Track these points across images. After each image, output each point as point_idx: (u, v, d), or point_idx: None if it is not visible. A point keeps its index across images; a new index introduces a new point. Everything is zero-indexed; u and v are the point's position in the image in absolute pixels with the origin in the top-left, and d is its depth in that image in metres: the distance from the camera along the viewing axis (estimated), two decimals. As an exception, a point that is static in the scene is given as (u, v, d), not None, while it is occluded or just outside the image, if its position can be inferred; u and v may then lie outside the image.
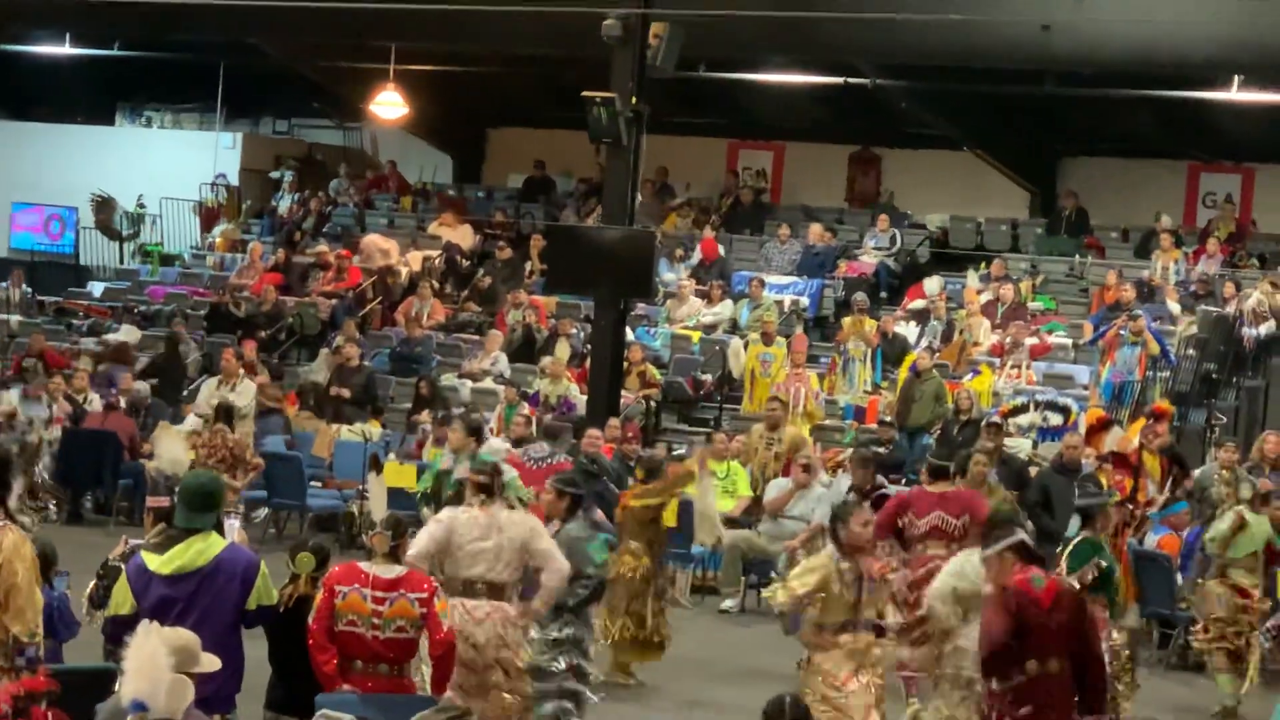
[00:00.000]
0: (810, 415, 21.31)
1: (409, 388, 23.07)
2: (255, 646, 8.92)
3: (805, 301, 25.33)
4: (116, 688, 6.63)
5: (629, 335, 22.87)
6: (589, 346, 22.68)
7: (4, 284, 28.23)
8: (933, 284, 24.87)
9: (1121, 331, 21.84)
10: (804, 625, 10.03)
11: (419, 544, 9.80)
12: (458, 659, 9.56)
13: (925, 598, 10.67)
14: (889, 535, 12.66)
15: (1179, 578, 15.50)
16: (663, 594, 14.41)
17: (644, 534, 13.97)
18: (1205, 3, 21.58)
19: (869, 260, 26.08)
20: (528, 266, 26.68)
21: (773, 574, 17.19)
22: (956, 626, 10.39)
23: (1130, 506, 15.28)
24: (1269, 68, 22.57)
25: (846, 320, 23.78)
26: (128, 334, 25.38)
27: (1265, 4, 21.15)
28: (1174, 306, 23.64)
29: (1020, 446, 19.92)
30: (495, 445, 15.77)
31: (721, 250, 26.47)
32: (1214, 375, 22.40)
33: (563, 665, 11.43)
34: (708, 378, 23.49)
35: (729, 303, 25.04)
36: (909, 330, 23.95)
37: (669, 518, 14.62)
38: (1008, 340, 22.99)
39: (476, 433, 14.05)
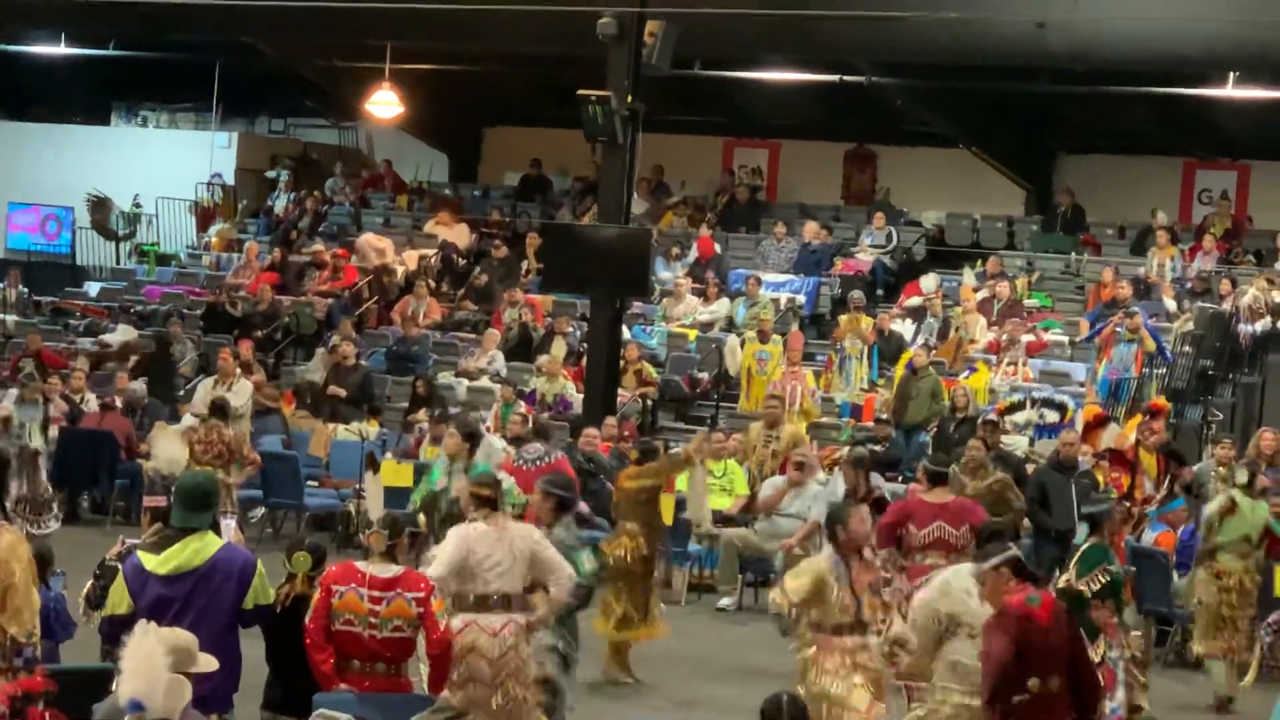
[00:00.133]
0: (807, 413, 21.30)
1: (405, 387, 23.07)
2: (252, 646, 8.92)
3: (802, 299, 25.33)
4: (114, 688, 6.62)
5: (625, 334, 22.88)
6: (585, 345, 22.70)
7: (0, 284, 28.23)
8: (929, 281, 24.87)
9: (1118, 328, 21.85)
10: (802, 626, 10.02)
11: (437, 574, 9.67)
12: (471, 672, 9.55)
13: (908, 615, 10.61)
14: (890, 545, 12.64)
15: (1176, 575, 15.50)
16: (661, 582, 14.40)
17: (638, 515, 13.96)
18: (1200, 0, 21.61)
19: (865, 258, 26.08)
20: (524, 265, 26.67)
21: (771, 574, 17.26)
22: (929, 649, 10.33)
23: (1127, 504, 15.31)
24: (1264, 64, 22.58)
25: (843, 318, 23.78)
26: (124, 334, 25.37)
27: (1260, 1, 21.16)
28: (1170, 303, 23.65)
29: (1017, 444, 19.93)
30: (493, 443, 15.75)
31: (718, 248, 26.47)
32: (1210, 372, 22.40)
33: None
34: (704, 376, 23.50)
35: (725, 301, 25.05)
36: (905, 328, 23.95)
37: (665, 516, 14.63)
38: (1004, 337, 23.00)
39: (472, 438, 13.96)
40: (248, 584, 8.58)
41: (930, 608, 10.16)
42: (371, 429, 21.27)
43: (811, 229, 26.58)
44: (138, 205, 31.21)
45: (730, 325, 24.61)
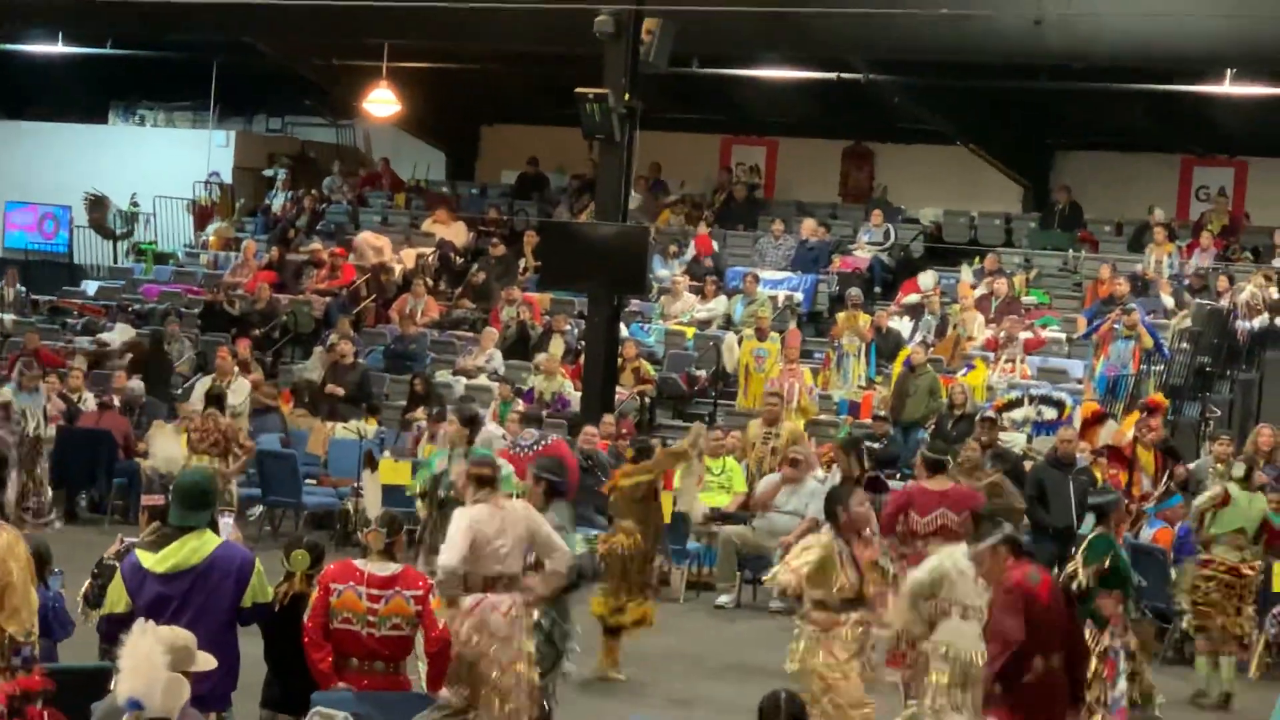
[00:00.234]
0: (804, 410, 21.32)
1: (403, 385, 23.07)
2: (251, 644, 8.93)
3: (799, 297, 25.33)
4: (112, 686, 6.62)
5: (623, 331, 22.90)
6: (583, 343, 22.70)
7: (-1, 283, 28.25)
8: (928, 278, 24.88)
9: (1115, 325, 21.85)
10: (807, 604, 10.06)
11: (451, 564, 9.72)
12: (481, 650, 9.59)
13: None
14: (893, 533, 12.65)
15: (1173, 572, 15.51)
16: (659, 580, 14.40)
17: (634, 512, 13.96)
18: (1197, -4, 21.63)
19: (863, 255, 26.07)
20: (522, 263, 26.67)
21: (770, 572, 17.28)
22: (923, 624, 10.37)
23: (1125, 500, 15.30)
24: (1261, 61, 22.59)
25: (840, 315, 23.78)
26: (122, 333, 25.38)
27: (1257, -3, 21.21)
28: (1168, 300, 23.66)
29: (1015, 441, 19.92)
30: (491, 430, 15.76)
31: (715, 246, 26.47)
32: (1208, 369, 22.40)
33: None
34: (702, 374, 23.51)
35: (723, 299, 25.05)
36: (903, 325, 23.95)
37: (664, 513, 14.63)
38: (1002, 335, 23.00)
39: (471, 423, 14.01)
40: (246, 582, 8.59)
41: (921, 585, 10.22)
42: (369, 427, 21.27)
43: (809, 226, 26.58)
44: (135, 204, 31.21)
45: (728, 323, 24.62)
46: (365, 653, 8.98)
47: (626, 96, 20.65)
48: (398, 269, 26.85)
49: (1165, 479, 16.85)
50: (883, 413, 21.48)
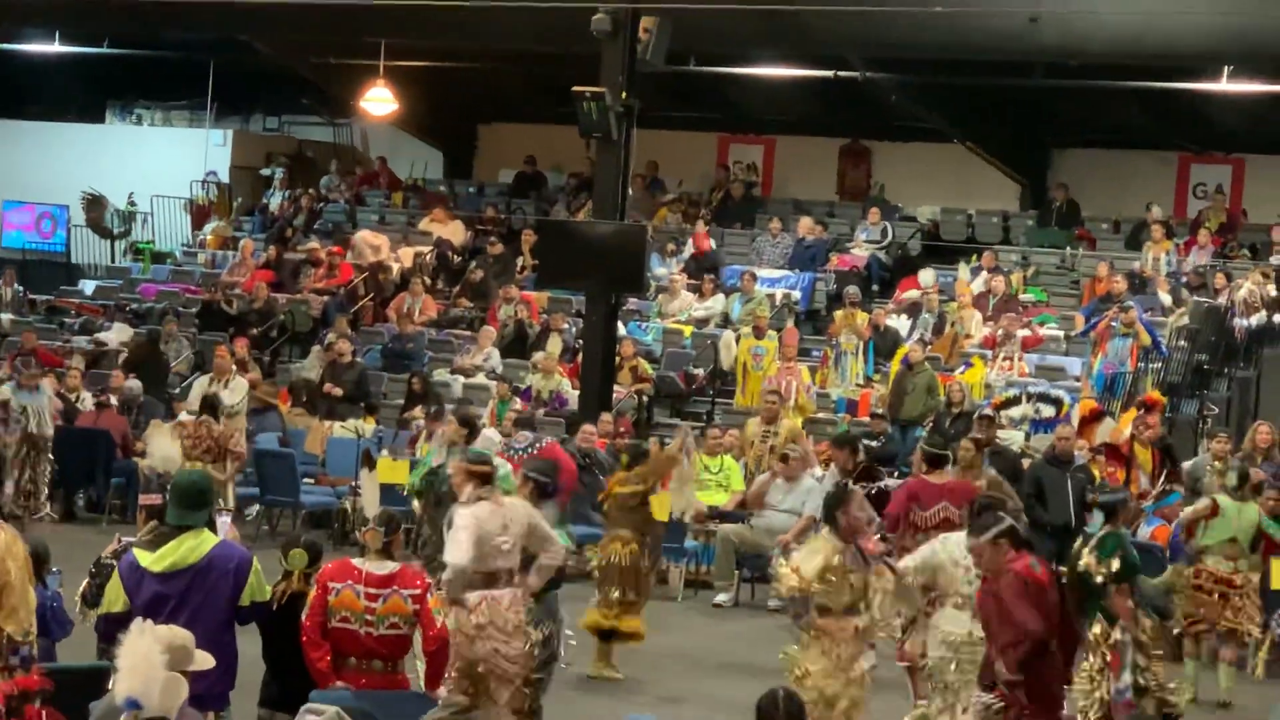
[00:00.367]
0: (802, 409, 21.33)
1: (401, 384, 23.06)
2: (249, 644, 8.93)
3: (797, 295, 25.32)
4: (110, 686, 6.62)
5: (621, 330, 22.88)
6: (581, 341, 22.70)
7: (-4, 283, 28.25)
8: (928, 275, 24.88)
9: (1113, 323, 21.85)
10: (811, 610, 10.06)
11: (461, 563, 9.77)
12: (488, 650, 9.61)
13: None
14: (900, 528, 12.66)
15: (1169, 569, 15.50)
16: (651, 578, 14.38)
17: (630, 520, 13.96)
18: (1194, -7, 21.64)
19: (860, 253, 26.07)
20: (519, 262, 26.67)
21: (767, 570, 17.26)
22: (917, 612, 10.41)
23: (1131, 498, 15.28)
24: (1259, 58, 22.59)
25: (838, 313, 23.77)
26: (119, 332, 25.37)
27: (1254, -5, 21.20)
28: (1165, 298, 23.65)
29: (1013, 439, 19.91)
30: (489, 436, 15.77)
31: (713, 244, 26.47)
32: (1206, 366, 22.41)
33: None
34: (700, 372, 23.50)
35: (721, 297, 25.04)
36: (901, 323, 23.95)
37: (660, 513, 14.59)
38: (999, 332, 22.99)
39: (470, 425, 14.03)
40: (244, 581, 8.60)
41: (913, 573, 10.23)
42: (367, 426, 21.27)
43: (806, 224, 26.58)
44: (133, 203, 31.20)
45: (726, 321, 24.62)
46: (363, 651, 8.98)
47: (624, 95, 20.65)
48: (395, 268, 26.85)
49: (1163, 477, 16.85)
50: (881, 411, 21.48)
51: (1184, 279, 24.09)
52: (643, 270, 21.79)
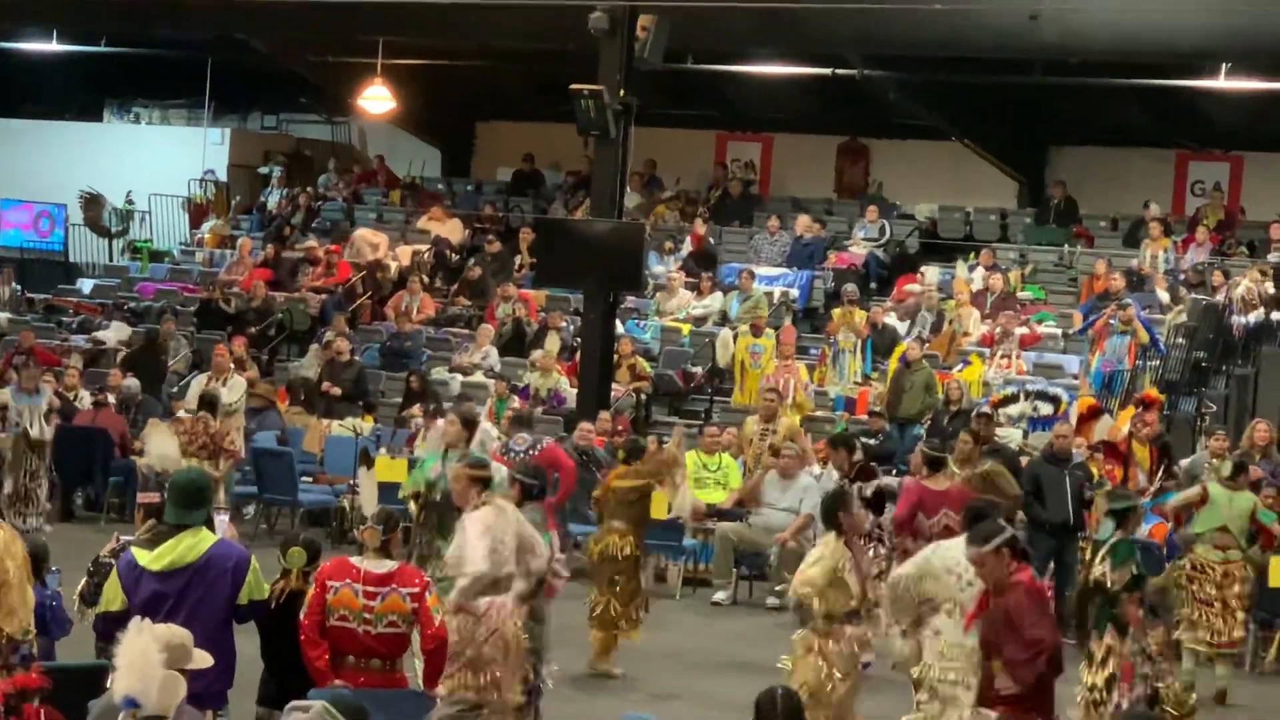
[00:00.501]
0: (800, 406, 21.33)
1: (399, 382, 23.07)
2: (247, 642, 8.93)
3: (795, 293, 25.31)
4: (108, 685, 6.62)
5: (619, 328, 22.88)
6: (579, 340, 22.69)
7: (-7, 282, 28.23)
8: (931, 273, 24.89)
9: (1111, 320, 21.86)
10: (815, 617, 10.05)
11: (480, 566, 9.83)
12: (495, 652, 9.63)
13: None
14: (909, 532, 12.66)
15: (1168, 567, 15.52)
16: (645, 578, 14.39)
17: (627, 514, 13.97)
18: (1192, -9, 21.65)
19: (858, 251, 26.06)
20: (517, 260, 26.66)
21: (766, 568, 17.27)
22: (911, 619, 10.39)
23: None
24: (1256, 56, 22.59)
25: (836, 311, 23.77)
26: (117, 331, 25.37)
27: (1252, -8, 21.20)
28: (1163, 295, 23.66)
29: (1011, 436, 19.92)
30: (489, 431, 15.73)
31: (711, 242, 26.47)
32: (1204, 364, 22.40)
33: None
34: (698, 370, 23.50)
35: (719, 295, 25.04)
36: (899, 321, 23.94)
37: (657, 511, 14.61)
38: (997, 330, 23.00)
39: (470, 425, 13.99)
40: (242, 580, 8.59)
41: (907, 581, 10.20)
42: (366, 425, 21.29)
43: (804, 222, 26.57)
44: (130, 202, 31.19)
45: (724, 319, 24.61)
46: (361, 650, 8.98)
47: (621, 93, 20.65)
48: (393, 266, 26.84)
49: (1163, 477, 16.85)
50: (879, 408, 21.48)
51: (1182, 276, 24.09)
52: (640, 268, 21.79)
